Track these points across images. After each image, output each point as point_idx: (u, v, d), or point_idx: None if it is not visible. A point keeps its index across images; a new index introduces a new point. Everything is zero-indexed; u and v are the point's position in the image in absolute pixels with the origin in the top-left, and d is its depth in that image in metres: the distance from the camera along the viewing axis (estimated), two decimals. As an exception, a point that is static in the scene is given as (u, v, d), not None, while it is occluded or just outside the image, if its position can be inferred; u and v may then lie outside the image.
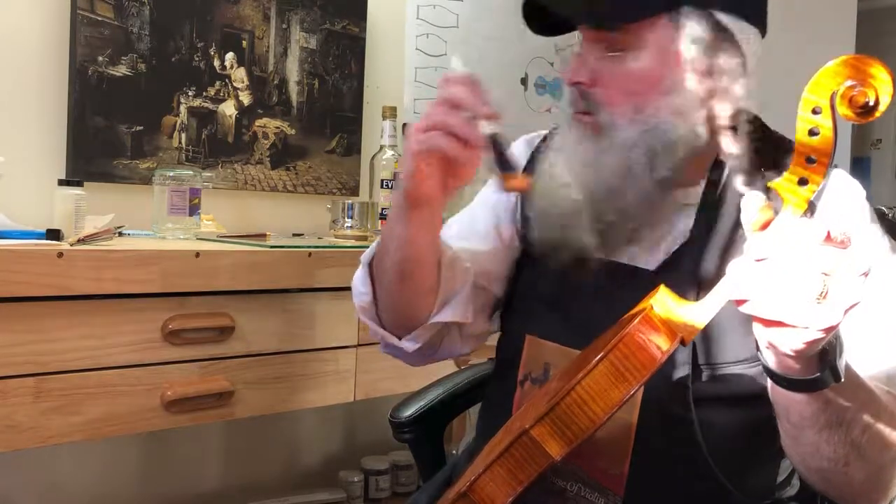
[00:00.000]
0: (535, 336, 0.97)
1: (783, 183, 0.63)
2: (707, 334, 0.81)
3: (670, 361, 0.86)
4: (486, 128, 0.82)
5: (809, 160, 0.62)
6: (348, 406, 2.06)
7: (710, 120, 0.90)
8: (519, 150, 1.09)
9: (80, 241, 1.30)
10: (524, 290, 1.02)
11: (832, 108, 0.60)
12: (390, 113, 2.01)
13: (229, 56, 1.90)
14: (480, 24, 2.46)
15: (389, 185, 1.97)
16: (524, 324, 1.00)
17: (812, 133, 0.61)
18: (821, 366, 0.67)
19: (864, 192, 0.93)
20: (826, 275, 0.59)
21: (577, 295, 0.95)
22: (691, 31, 0.87)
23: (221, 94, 1.89)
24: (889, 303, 0.86)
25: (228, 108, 1.91)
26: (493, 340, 1.13)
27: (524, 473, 0.73)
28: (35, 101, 1.65)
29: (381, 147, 2.01)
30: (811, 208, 0.63)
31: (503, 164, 0.83)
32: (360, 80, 2.15)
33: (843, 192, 0.91)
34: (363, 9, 2.15)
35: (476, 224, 1.08)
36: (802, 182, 0.62)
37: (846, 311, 0.60)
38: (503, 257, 1.06)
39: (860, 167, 4.18)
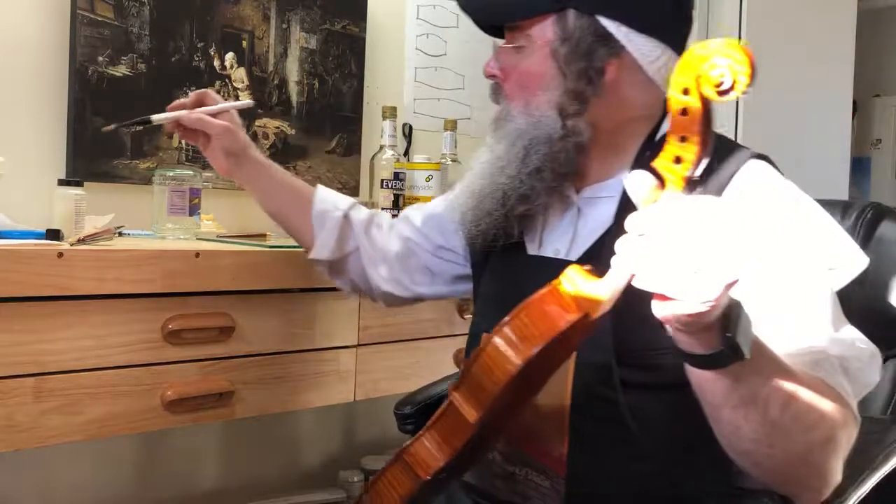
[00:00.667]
0: (487, 334, 1.02)
1: (660, 162, 0.66)
2: (632, 322, 0.83)
3: (596, 347, 0.90)
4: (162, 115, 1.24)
5: (682, 139, 0.64)
6: (348, 406, 2.06)
7: (596, 118, 0.97)
8: None
9: (80, 241, 1.30)
10: (480, 291, 1.12)
11: (699, 90, 0.63)
12: (390, 113, 2.01)
13: (229, 56, 1.90)
14: (480, 24, 2.46)
15: (389, 185, 1.96)
16: (480, 324, 1.07)
17: (683, 113, 0.64)
18: (722, 342, 0.69)
19: (778, 183, 0.95)
20: (703, 250, 0.61)
21: (516, 291, 0.97)
22: (570, 33, 0.95)
23: (221, 94, 1.89)
24: (807, 286, 0.88)
25: (228, 108, 1.91)
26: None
27: (453, 439, 0.80)
28: (35, 101, 1.65)
29: (381, 147, 2.01)
30: (691, 186, 0.65)
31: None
32: (360, 80, 2.15)
33: (751, 179, 0.93)
34: (363, 9, 2.15)
35: (434, 207, 1.27)
36: (677, 160, 0.65)
37: (727, 287, 0.62)
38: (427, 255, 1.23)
39: (860, 167, 4.18)
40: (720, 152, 0.93)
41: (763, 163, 0.96)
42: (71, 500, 1.78)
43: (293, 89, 2.02)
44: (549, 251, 1.03)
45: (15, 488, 1.70)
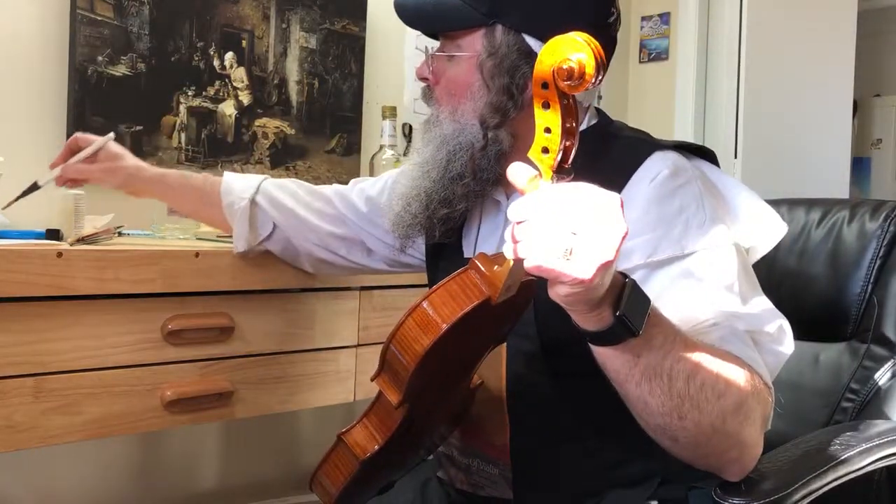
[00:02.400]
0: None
1: (532, 152, 0.69)
2: (553, 311, 0.83)
3: (524, 336, 0.96)
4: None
5: (547, 130, 0.68)
6: (348, 406, 2.06)
7: (517, 129, 1.00)
8: None
9: (80, 240, 1.30)
10: (435, 279, 1.13)
11: (554, 84, 0.67)
12: (390, 113, 2.01)
13: (229, 56, 1.90)
14: (480, 24, 2.46)
15: (389, 185, 1.96)
16: None
17: (545, 106, 0.68)
18: (612, 320, 0.72)
19: (680, 170, 0.96)
20: (574, 233, 0.64)
21: None
22: (496, 47, 0.98)
23: (221, 94, 1.89)
24: (711, 264, 0.91)
25: (228, 108, 1.91)
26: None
27: (386, 423, 0.85)
28: (35, 101, 1.65)
29: (381, 147, 2.01)
30: (562, 173, 0.69)
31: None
32: (359, 79, 2.15)
33: (651, 168, 0.96)
34: (363, 8, 2.15)
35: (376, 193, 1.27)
36: (545, 151, 0.68)
37: (601, 267, 0.65)
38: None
39: (860, 167, 4.18)
40: (619, 149, 1.01)
41: (671, 153, 0.98)
42: (71, 500, 1.78)
43: (293, 89, 2.02)
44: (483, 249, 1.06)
45: (15, 488, 1.70)
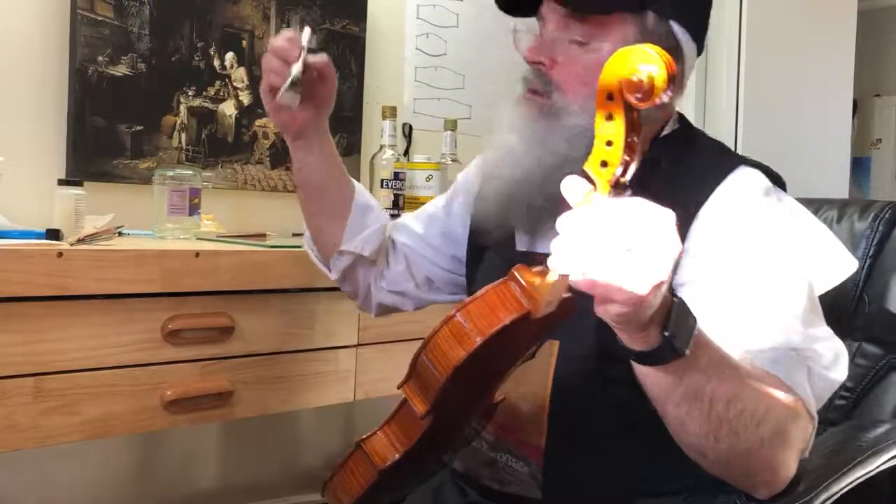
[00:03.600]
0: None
1: (589, 165, 0.67)
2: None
3: (579, 341, 0.94)
4: (293, 70, 1.03)
5: (608, 143, 0.66)
6: (348, 406, 2.06)
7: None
8: (473, 171, 1.21)
9: (80, 240, 1.30)
10: (472, 291, 1.08)
11: (621, 96, 0.64)
12: (390, 113, 2.01)
13: (229, 56, 1.90)
14: (480, 24, 2.46)
15: (389, 185, 1.96)
16: None
17: (609, 118, 0.65)
18: (660, 340, 0.71)
19: (762, 191, 0.96)
20: (628, 250, 0.62)
21: None
22: (650, 35, 0.93)
23: (221, 94, 1.89)
24: (778, 289, 0.89)
25: (228, 108, 1.91)
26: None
27: (408, 433, 0.83)
28: (35, 101, 1.65)
29: (381, 147, 2.01)
30: (620, 189, 0.66)
31: (292, 85, 1.03)
32: (360, 80, 2.15)
33: (735, 187, 0.94)
34: (363, 9, 2.15)
35: (434, 209, 1.23)
36: (604, 164, 0.66)
37: (654, 287, 0.63)
38: (445, 252, 1.20)
39: (860, 167, 4.18)
40: (703, 157, 0.99)
41: (754, 171, 0.97)
42: (71, 500, 1.78)
43: (293, 89, 2.02)
44: (539, 248, 1.03)
45: (15, 488, 1.70)
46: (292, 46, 1.03)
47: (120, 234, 1.50)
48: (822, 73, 3.06)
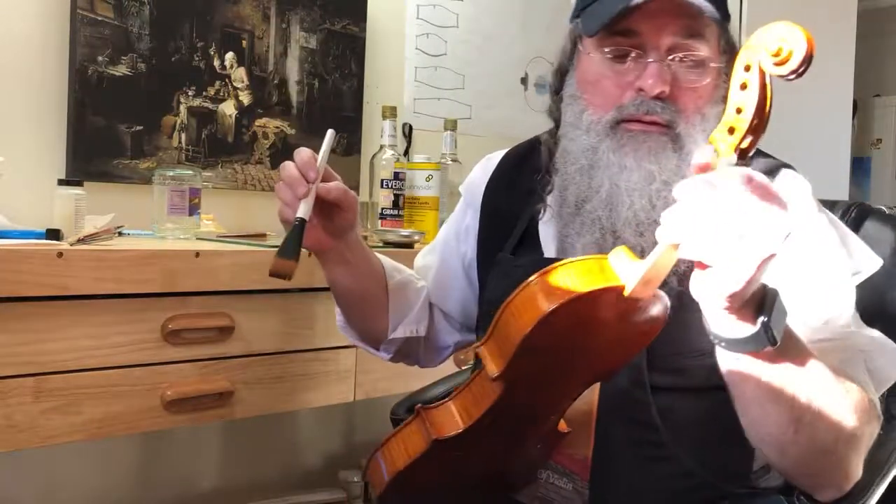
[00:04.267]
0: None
1: (716, 133, 0.68)
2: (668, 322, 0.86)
3: None
4: (300, 209, 0.95)
5: (738, 111, 0.67)
6: (348, 406, 2.06)
7: None
8: (476, 177, 1.18)
9: (80, 240, 1.30)
10: (488, 298, 1.07)
11: (759, 66, 0.66)
12: (390, 113, 2.01)
13: (229, 56, 1.90)
14: (480, 24, 2.46)
15: (389, 185, 1.96)
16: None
17: (742, 87, 0.67)
18: (757, 326, 0.70)
19: (809, 189, 0.97)
20: (746, 218, 0.62)
21: None
22: (730, 46, 0.95)
23: (221, 94, 1.89)
24: (835, 286, 0.90)
25: (228, 108, 1.91)
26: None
27: (478, 404, 0.78)
28: (35, 101, 1.65)
29: (381, 147, 2.01)
30: (743, 156, 0.67)
31: (285, 249, 0.93)
32: (360, 80, 2.15)
33: (789, 184, 0.95)
34: (363, 9, 2.15)
35: (445, 245, 1.21)
36: (731, 131, 0.67)
37: (764, 261, 0.63)
38: (460, 282, 1.17)
39: (860, 167, 4.17)
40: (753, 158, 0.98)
41: (792, 172, 0.99)
42: (71, 500, 1.78)
43: (293, 89, 2.02)
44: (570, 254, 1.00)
45: (15, 488, 1.70)
46: (304, 175, 0.97)
47: (120, 234, 1.50)
48: (822, 73, 3.05)
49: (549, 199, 1.04)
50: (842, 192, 3.14)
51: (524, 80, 2.58)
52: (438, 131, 2.22)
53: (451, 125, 2.16)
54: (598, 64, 0.96)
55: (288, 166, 0.98)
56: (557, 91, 1.05)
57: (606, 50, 0.94)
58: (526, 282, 0.72)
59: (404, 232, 1.80)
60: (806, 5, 2.98)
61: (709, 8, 0.90)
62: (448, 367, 1.68)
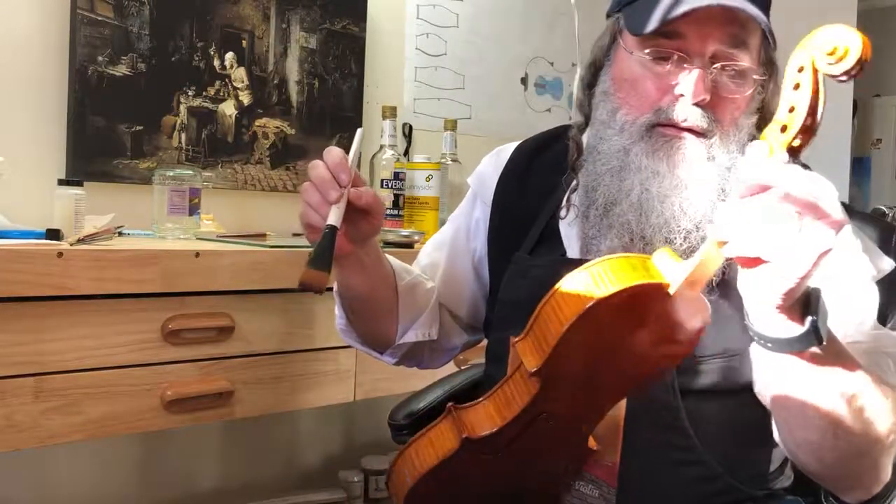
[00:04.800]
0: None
1: (768, 131, 0.68)
2: None
3: None
4: (331, 215, 0.89)
5: (791, 110, 0.68)
6: (348, 406, 2.06)
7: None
8: (488, 171, 1.14)
9: (80, 240, 1.30)
10: (503, 298, 1.04)
11: (813, 65, 0.68)
12: (390, 113, 2.01)
13: (229, 56, 1.90)
14: (480, 24, 2.46)
15: (389, 185, 1.97)
16: (507, 329, 0.99)
17: (796, 87, 0.68)
18: (804, 324, 0.70)
19: (835, 191, 0.97)
20: (800, 215, 0.62)
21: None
22: (772, 55, 0.95)
23: (221, 94, 1.89)
24: (862, 289, 0.90)
25: (228, 108, 1.91)
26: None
27: (509, 405, 0.76)
28: (35, 101, 1.65)
29: (381, 147, 2.01)
30: (794, 155, 0.67)
31: (318, 259, 0.86)
32: (360, 79, 2.15)
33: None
34: (363, 9, 2.15)
35: (454, 242, 1.15)
36: (783, 129, 0.67)
37: (820, 257, 0.63)
38: (470, 281, 1.13)
39: (860, 167, 4.18)
40: None
41: (818, 175, 0.99)
42: (71, 500, 1.78)
43: (293, 89, 2.02)
44: (592, 256, 0.97)
45: (15, 488, 1.70)
46: (336, 178, 0.90)
47: (120, 234, 1.50)
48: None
49: (574, 197, 1.01)
50: (842, 192, 3.14)
51: (524, 80, 2.58)
52: (438, 131, 2.22)
53: (451, 125, 2.16)
54: (637, 63, 0.93)
55: (318, 167, 0.91)
56: (590, 86, 1.02)
57: (648, 51, 0.92)
58: (569, 275, 0.70)
59: (404, 232, 1.80)
60: (806, 5, 2.98)
61: (759, 15, 0.88)
62: (447, 368, 1.68)
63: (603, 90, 0.98)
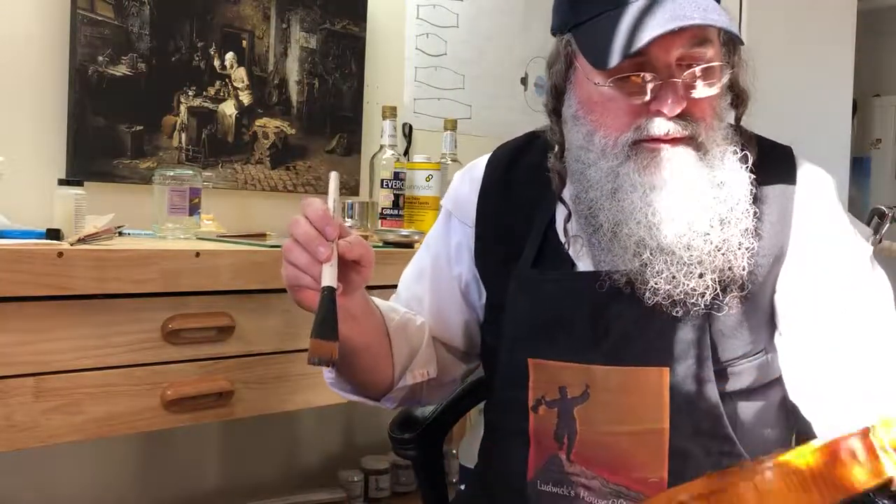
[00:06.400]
0: (540, 360, 0.96)
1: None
2: (719, 335, 0.91)
3: (693, 359, 0.90)
4: (325, 276, 0.81)
5: None
6: (348, 406, 2.05)
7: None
8: (463, 190, 1.09)
9: (80, 240, 1.30)
10: (518, 316, 1.00)
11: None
12: (390, 113, 2.01)
13: (229, 56, 1.90)
14: (480, 24, 2.46)
15: (389, 185, 1.97)
16: (524, 349, 0.97)
17: None
18: None
19: (834, 184, 1.00)
20: None
21: (578, 311, 0.94)
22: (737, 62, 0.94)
23: (221, 94, 1.89)
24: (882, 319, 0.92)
25: (228, 108, 1.91)
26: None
27: None
28: (35, 101, 1.65)
29: (381, 147, 2.01)
30: None
31: (324, 328, 0.79)
32: (360, 79, 2.15)
33: (811, 178, 0.98)
34: (363, 9, 2.15)
35: (435, 270, 1.09)
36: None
37: None
38: (459, 308, 1.08)
39: (860, 167, 4.17)
40: (764, 142, 0.99)
41: (816, 167, 1.00)
42: (71, 500, 1.78)
43: (293, 89, 2.02)
44: (603, 266, 0.95)
45: (15, 488, 1.70)
46: (323, 233, 0.83)
47: (120, 233, 1.50)
48: (822, 72, 3.06)
49: (571, 227, 0.98)
50: (842, 192, 3.13)
51: (524, 80, 2.58)
52: (438, 131, 2.22)
53: (451, 125, 2.16)
54: (602, 87, 0.90)
55: (300, 224, 0.84)
56: (556, 111, 0.98)
57: (611, 81, 0.89)
58: (766, 467, 0.63)
59: (404, 232, 1.80)
60: (806, 5, 2.98)
61: (717, 19, 0.85)
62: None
63: (572, 114, 0.95)
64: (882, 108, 4.28)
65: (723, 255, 0.89)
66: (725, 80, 0.92)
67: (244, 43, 1.93)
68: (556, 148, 0.98)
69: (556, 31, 0.97)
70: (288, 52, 2.01)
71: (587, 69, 0.91)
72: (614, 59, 0.85)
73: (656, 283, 0.88)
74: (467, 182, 1.09)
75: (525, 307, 0.98)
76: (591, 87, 0.91)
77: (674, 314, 0.89)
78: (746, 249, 0.90)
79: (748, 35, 2.76)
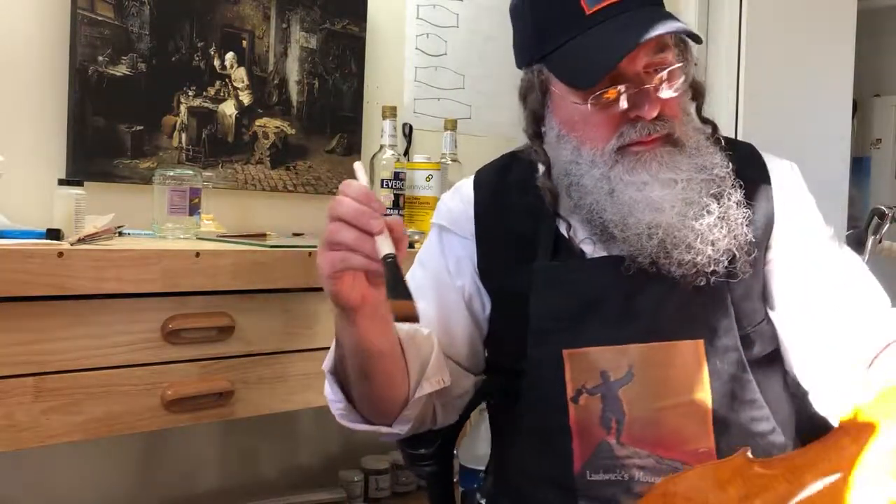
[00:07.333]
0: (575, 349, 0.98)
1: None
2: (739, 302, 0.99)
3: (724, 330, 0.98)
4: (382, 246, 0.81)
5: None
6: (348, 406, 2.05)
7: None
8: (456, 207, 1.11)
9: (81, 240, 1.30)
10: (546, 311, 1.01)
11: None
12: (390, 113, 2.01)
13: (229, 56, 1.90)
14: (480, 24, 2.46)
15: (390, 185, 1.96)
16: (556, 342, 0.99)
17: None
18: None
19: (799, 173, 1.10)
20: None
21: (609, 295, 1.00)
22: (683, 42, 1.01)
23: (221, 94, 1.89)
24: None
25: (228, 108, 1.91)
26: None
27: None
28: (35, 101, 1.65)
29: (381, 147, 2.01)
30: None
31: (398, 289, 0.79)
32: (360, 79, 2.15)
33: (778, 165, 1.08)
34: (363, 9, 2.15)
35: (438, 284, 1.09)
36: None
37: None
38: (465, 321, 1.08)
39: (860, 167, 4.18)
40: (730, 140, 1.07)
41: (784, 160, 1.10)
42: (71, 500, 1.78)
43: (293, 89, 2.02)
44: (614, 251, 1.01)
45: (15, 488, 1.70)
46: (375, 210, 0.83)
47: (120, 233, 1.50)
48: (822, 72, 3.06)
49: (576, 233, 1.03)
50: (842, 192, 3.14)
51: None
52: (438, 131, 2.22)
53: (451, 125, 2.15)
54: (581, 106, 0.97)
55: (344, 202, 0.82)
56: (537, 134, 1.04)
57: (592, 99, 0.96)
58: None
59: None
60: (806, 5, 2.98)
61: (678, 27, 0.94)
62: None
63: (556, 135, 1.02)
64: (882, 108, 4.28)
65: (726, 223, 0.97)
66: (686, 78, 0.99)
67: (244, 43, 1.93)
68: (543, 168, 1.05)
69: (523, 64, 1.05)
70: (288, 52, 2.01)
71: (564, 91, 0.99)
72: (594, 77, 0.94)
73: (680, 255, 0.95)
74: (458, 200, 1.13)
75: (552, 299, 1.01)
76: (570, 107, 0.99)
77: (698, 284, 0.96)
78: (744, 217, 0.98)
79: (748, 35, 2.77)
